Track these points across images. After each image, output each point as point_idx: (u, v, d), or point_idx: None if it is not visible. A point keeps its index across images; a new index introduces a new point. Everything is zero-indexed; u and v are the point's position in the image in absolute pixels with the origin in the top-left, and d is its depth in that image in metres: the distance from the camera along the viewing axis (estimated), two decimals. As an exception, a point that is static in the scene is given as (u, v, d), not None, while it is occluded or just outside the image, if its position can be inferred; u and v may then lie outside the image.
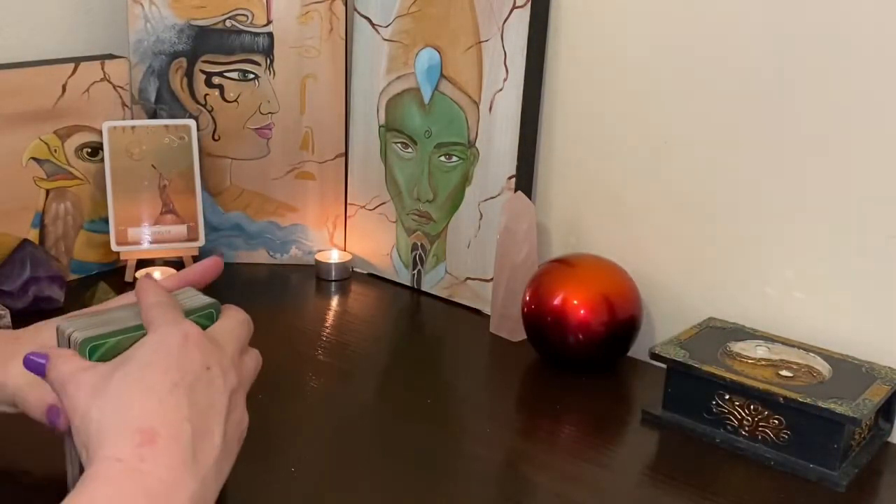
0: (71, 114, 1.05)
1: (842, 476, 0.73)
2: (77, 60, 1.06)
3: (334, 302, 1.08)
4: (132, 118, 1.10)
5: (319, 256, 1.13)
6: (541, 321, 0.89)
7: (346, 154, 1.14)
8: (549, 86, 1.00)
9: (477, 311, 1.04)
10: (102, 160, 1.06)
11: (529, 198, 0.97)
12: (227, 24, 1.10)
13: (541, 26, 0.97)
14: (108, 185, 1.05)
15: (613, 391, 0.89)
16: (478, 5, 0.99)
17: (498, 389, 0.90)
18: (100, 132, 1.06)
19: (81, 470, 0.59)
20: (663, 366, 0.82)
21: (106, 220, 1.06)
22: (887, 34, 0.78)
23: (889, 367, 0.80)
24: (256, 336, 0.63)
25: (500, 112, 0.99)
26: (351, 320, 1.03)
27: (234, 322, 0.61)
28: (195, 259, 1.08)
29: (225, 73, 1.11)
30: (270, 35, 1.10)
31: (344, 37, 1.10)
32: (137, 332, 0.57)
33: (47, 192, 1.05)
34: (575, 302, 0.87)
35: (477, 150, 1.01)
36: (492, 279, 1.00)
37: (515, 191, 0.98)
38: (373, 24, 1.09)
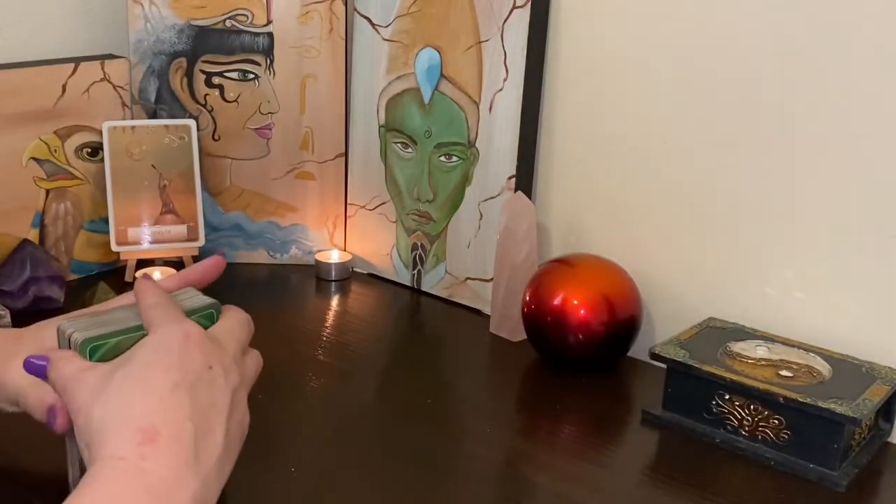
0: (71, 114, 1.05)
1: (842, 476, 0.73)
2: (77, 60, 1.06)
3: (334, 302, 1.08)
4: (132, 118, 1.10)
5: (319, 256, 1.13)
6: (541, 321, 0.89)
7: (346, 154, 1.14)
8: (549, 86, 1.00)
9: (477, 311, 1.04)
10: (102, 160, 1.06)
11: (529, 198, 0.97)
12: (227, 24, 1.10)
13: (541, 26, 0.97)
14: (108, 185, 1.05)
15: (613, 391, 0.89)
16: (478, 5, 0.99)
17: (498, 389, 0.90)
18: (100, 132, 1.06)
19: (82, 470, 0.59)
20: (663, 366, 0.82)
21: (106, 220, 1.06)
22: (887, 34, 0.78)
23: (889, 367, 0.80)
24: (256, 336, 0.63)
25: (500, 112, 0.99)
26: (351, 320, 1.03)
27: (234, 322, 0.61)
28: (195, 259, 1.08)
29: (225, 73, 1.11)
30: (270, 35, 1.10)
31: (344, 37, 1.10)
32: (138, 333, 0.57)
33: (47, 192, 1.05)
34: (575, 302, 0.87)
35: (477, 150, 1.01)
36: (492, 279, 1.00)
37: (515, 191, 0.98)
38: (373, 24, 1.09)
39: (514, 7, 0.96)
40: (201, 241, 1.08)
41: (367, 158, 1.12)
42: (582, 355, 0.88)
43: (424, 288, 1.09)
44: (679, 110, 0.91)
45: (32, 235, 1.04)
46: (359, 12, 1.10)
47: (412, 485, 0.72)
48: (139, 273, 1.05)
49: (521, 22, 0.96)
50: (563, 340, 0.88)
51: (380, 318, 1.06)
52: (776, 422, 0.76)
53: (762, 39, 0.84)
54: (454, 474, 0.74)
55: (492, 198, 1.01)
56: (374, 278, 1.13)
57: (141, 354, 0.54)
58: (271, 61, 1.10)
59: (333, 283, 1.12)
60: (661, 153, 0.93)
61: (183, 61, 1.10)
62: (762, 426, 0.76)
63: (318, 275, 1.13)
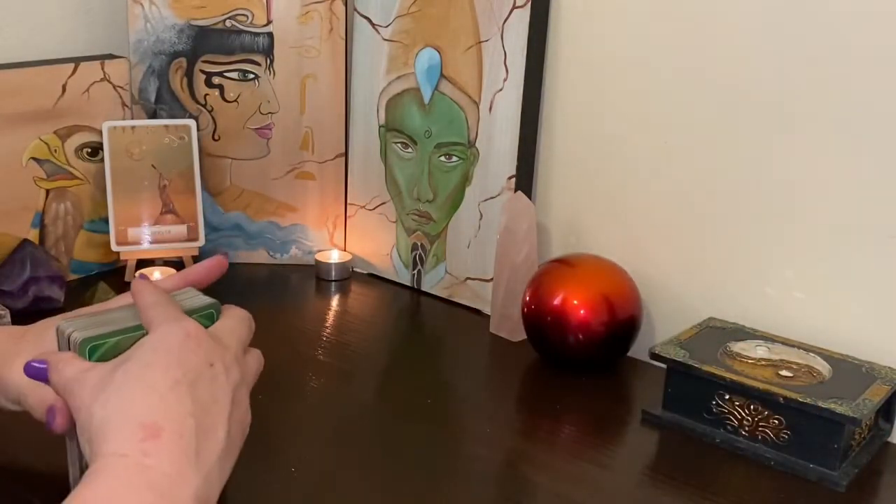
0: (71, 114, 1.05)
1: (842, 476, 0.73)
2: (77, 60, 1.06)
3: (334, 302, 1.08)
4: (132, 118, 1.10)
5: (319, 256, 1.13)
6: (541, 321, 0.89)
7: (346, 154, 1.14)
8: (549, 86, 1.00)
9: (477, 311, 1.04)
10: (102, 160, 1.06)
11: (529, 198, 0.97)
12: (227, 24, 1.10)
13: (541, 26, 0.97)
14: (108, 185, 1.05)
15: (613, 391, 0.89)
16: (478, 5, 0.99)
17: (498, 389, 0.90)
18: (100, 132, 1.06)
19: (83, 469, 0.59)
20: (663, 366, 0.82)
21: (106, 220, 1.06)
22: (887, 34, 0.78)
23: (889, 367, 0.80)
24: (257, 336, 0.63)
25: (500, 112, 0.99)
26: (351, 320, 1.03)
27: (235, 321, 0.61)
28: (195, 259, 1.08)
29: (225, 73, 1.11)
30: (270, 35, 1.10)
31: (344, 37, 1.10)
32: (137, 332, 0.57)
33: (47, 192, 1.05)
34: (575, 302, 0.87)
35: (477, 150, 1.01)
36: (492, 279, 1.00)
37: (515, 191, 0.98)
38: (373, 24, 1.09)
39: (514, 7, 0.96)
40: (201, 241, 1.08)
41: (367, 158, 1.12)
42: (582, 355, 0.88)
43: (424, 288, 1.09)
44: (679, 110, 0.91)
45: (32, 235, 1.04)
46: (359, 12, 1.10)
47: (412, 485, 0.72)
48: (137, 273, 1.05)
49: (521, 22, 0.96)
50: (563, 340, 0.88)
51: (380, 318, 1.06)
52: (776, 422, 0.76)
53: (762, 39, 0.84)
54: (454, 474, 0.74)
55: (492, 198, 1.01)
56: (374, 278, 1.13)
57: (141, 353, 0.54)
58: (271, 61, 1.10)
59: (333, 283, 1.12)
60: (661, 153, 0.93)
61: (183, 61, 1.10)
62: (762, 426, 0.76)
63: (318, 275, 1.13)
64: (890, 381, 0.77)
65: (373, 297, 1.09)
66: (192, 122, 1.09)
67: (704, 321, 0.88)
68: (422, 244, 1.08)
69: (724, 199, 0.89)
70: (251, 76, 1.11)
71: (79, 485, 0.49)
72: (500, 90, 0.98)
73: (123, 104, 1.09)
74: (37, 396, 0.60)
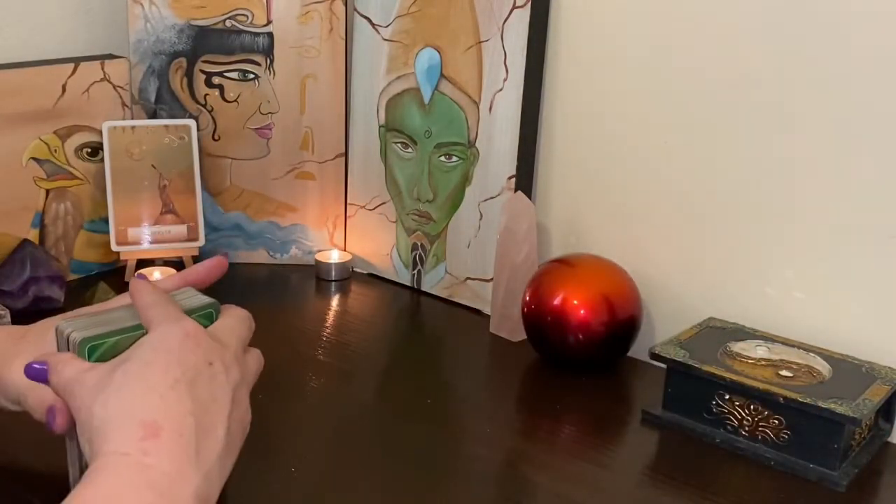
0: (71, 114, 1.05)
1: (842, 476, 0.73)
2: (77, 60, 1.06)
3: (334, 302, 1.08)
4: (132, 118, 1.10)
5: (319, 256, 1.13)
6: (541, 321, 0.89)
7: (346, 154, 1.14)
8: (549, 86, 1.00)
9: (477, 311, 1.04)
10: (102, 160, 1.06)
11: (529, 198, 0.97)
12: (227, 24, 1.10)
13: (541, 26, 0.97)
14: (108, 185, 1.05)
15: (613, 391, 0.89)
16: (478, 5, 0.99)
17: (498, 389, 0.90)
18: (100, 132, 1.06)
19: (82, 469, 0.59)
20: (663, 366, 0.82)
21: (106, 220, 1.06)
22: (887, 34, 0.78)
23: (889, 367, 0.80)
24: (257, 336, 0.63)
25: (500, 112, 0.99)
26: (351, 320, 1.03)
27: (235, 320, 0.61)
28: (195, 259, 1.08)
29: (225, 73, 1.11)
30: (270, 35, 1.10)
31: (344, 37, 1.10)
32: (136, 332, 0.57)
33: (47, 192, 1.05)
34: (575, 302, 0.87)
35: (477, 150, 1.01)
36: (492, 279, 1.00)
37: (515, 191, 0.98)
38: (373, 24, 1.09)
39: (514, 7, 0.96)
40: (201, 241, 1.08)
41: (367, 158, 1.12)
42: (582, 355, 0.88)
43: (424, 288, 1.09)
44: (679, 110, 0.91)
45: (32, 235, 1.04)
46: (359, 12, 1.10)
47: (412, 485, 0.72)
48: (136, 274, 1.05)
49: (521, 22, 0.96)
50: (563, 340, 0.88)
51: (380, 318, 1.06)
52: (776, 422, 0.76)
53: (762, 39, 0.84)
54: (454, 474, 0.74)
55: (492, 198, 1.01)
56: (374, 278, 1.13)
57: (140, 353, 0.54)
58: (271, 61, 1.10)
59: (333, 283, 1.12)
60: (661, 153, 0.93)
61: (183, 61, 1.10)
62: (762, 426, 0.76)
63: (318, 275, 1.13)
64: (890, 381, 0.77)
65: (373, 297, 1.09)
66: (192, 122, 1.09)
67: (704, 321, 0.88)
68: (422, 244, 1.08)
69: (724, 200, 0.89)
70: (251, 76, 1.11)
71: (79, 484, 0.49)
72: (500, 90, 0.98)
73: (123, 104, 1.09)
74: (36, 397, 0.60)
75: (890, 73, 0.78)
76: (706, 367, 0.79)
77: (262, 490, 0.69)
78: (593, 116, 0.97)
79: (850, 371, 0.79)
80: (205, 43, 1.10)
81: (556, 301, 0.87)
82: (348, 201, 1.15)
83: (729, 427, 0.78)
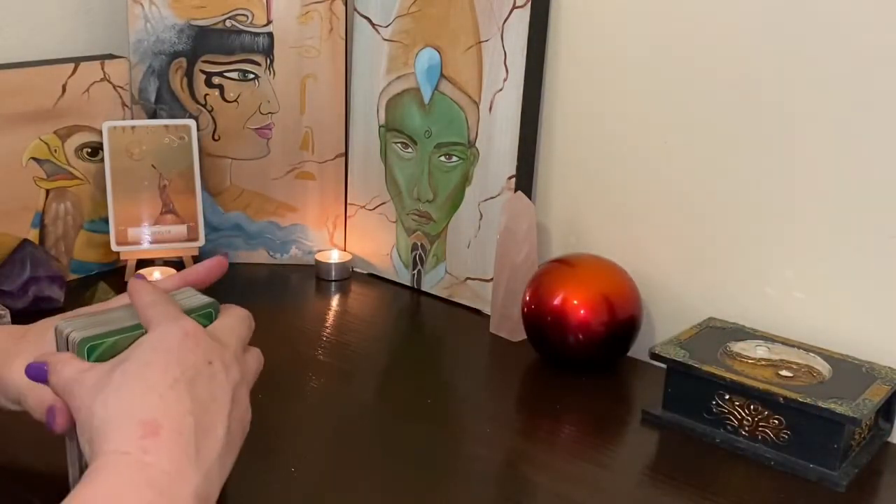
0: (71, 114, 1.05)
1: (842, 476, 0.73)
2: (77, 60, 1.06)
3: (334, 302, 1.08)
4: (132, 118, 1.10)
5: (319, 256, 1.13)
6: (541, 321, 0.89)
7: (346, 154, 1.14)
8: (549, 86, 1.00)
9: (477, 311, 1.04)
10: (102, 160, 1.06)
11: (529, 198, 0.97)
12: (227, 24, 1.10)
13: (541, 26, 0.97)
14: (108, 185, 1.05)
15: (613, 391, 0.89)
16: (478, 5, 0.99)
17: (498, 389, 0.90)
18: (100, 132, 1.06)
19: (82, 469, 0.59)
20: (663, 366, 0.82)
21: (106, 220, 1.06)
22: (887, 34, 0.78)
23: (889, 367, 0.80)
24: (257, 336, 0.63)
25: (500, 112, 0.99)
26: (351, 320, 1.03)
27: (234, 319, 0.61)
28: (195, 259, 1.08)
29: (225, 73, 1.11)
30: (270, 35, 1.10)
31: (344, 37, 1.10)
32: (135, 332, 0.57)
33: (47, 192, 1.05)
34: (575, 302, 0.87)
35: (477, 150, 1.01)
36: (492, 279, 1.00)
37: (515, 191, 0.98)
38: (373, 24, 1.09)
39: (514, 7, 0.96)
40: (201, 241, 1.08)
41: (367, 158, 1.12)
42: (582, 355, 0.88)
43: (424, 288, 1.09)
44: (679, 110, 0.91)
45: (32, 235, 1.04)
46: (359, 12, 1.10)
47: (412, 485, 0.72)
48: (135, 274, 1.05)
49: (521, 22, 0.96)
50: (563, 340, 0.88)
51: (380, 318, 1.06)
52: (776, 422, 0.76)
53: (762, 39, 0.84)
54: (454, 474, 0.74)
55: (492, 198, 1.01)
56: (374, 278, 1.13)
57: (139, 353, 0.54)
58: (271, 61, 1.10)
59: (333, 283, 1.12)
60: (661, 153, 0.93)
61: (183, 61, 1.10)
62: (762, 426, 0.76)
63: (318, 275, 1.13)
64: (890, 381, 0.77)
65: (373, 297, 1.09)
66: (192, 122, 1.09)
67: (704, 321, 0.88)
68: (422, 244, 1.08)
69: (724, 199, 0.89)
70: (251, 76, 1.11)
71: (79, 483, 0.49)
72: (500, 90, 0.98)
73: (123, 104, 1.09)
74: (36, 397, 0.60)
75: (890, 73, 0.78)
76: (706, 367, 0.79)
77: (262, 490, 0.69)
78: (593, 116, 0.97)
79: (850, 371, 0.79)
80: (205, 43, 1.10)
81: (556, 301, 0.87)
82: (348, 201, 1.15)
83: (729, 427, 0.78)
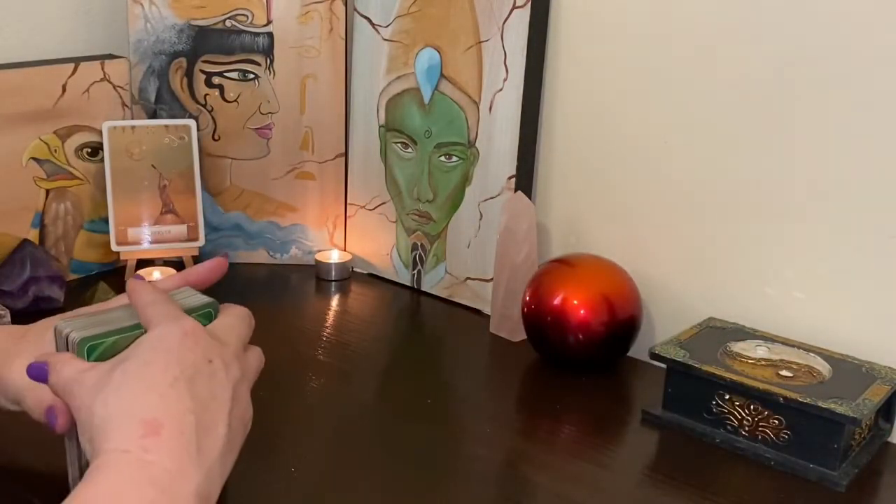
0: (71, 114, 1.05)
1: (842, 476, 0.73)
2: (77, 60, 1.06)
3: (334, 302, 1.08)
4: (132, 118, 1.10)
5: (319, 256, 1.13)
6: (541, 321, 0.89)
7: (346, 154, 1.14)
8: (549, 86, 1.00)
9: (477, 311, 1.04)
10: (102, 160, 1.06)
11: (529, 198, 0.97)
12: (227, 24, 1.10)
13: (541, 26, 0.97)
14: (108, 185, 1.05)
15: (613, 391, 0.89)
16: (478, 5, 0.99)
17: (498, 389, 0.90)
18: (100, 132, 1.06)
19: (82, 469, 0.59)
20: (663, 366, 0.82)
21: (106, 220, 1.06)
22: (887, 34, 0.78)
23: (889, 367, 0.80)
24: (257, 336, 0.63)
25: (500, 112, 0.99)
26: (351, 320, 1.03)
27: (234, 318, 0.61)
28: (195, 259, 1.08)
29: (225, 73, 1.11)
30: (270, 35, 1.10)
31: (344, 37, 1.10)
32: (135, 332, 0.57)
33: (47, 192, 1.05)
34: (575, 302, 0.87)
35: (477, 150, 1.01)
36: (492, 279, 1.00)
37: (515, 191, 0.98)
38: (373, 24, 1.09)
39: (514, 7, 0.96)
40: (201, 241, 1.08)
41: (367, 158, 1.12)
42: (582, 355, 0.88)
43: (424, 288, 1.09)
44: (679, 110, 0.91)
45: (32, 235, 1.04)
46: (359, 12, 1.10)
47: (412, 485, 0.72)
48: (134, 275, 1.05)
49: (521, 22, 0.96)
50: (563, 340, 0.88)
51: (380, 318, 1.06)
52: (776, 422, 0.76)
53: (762, 39, 0.84)
54: (454, 474, 0.74)
55: (492, 198, 1.01)
56: (374, 278, 1.13)
57: (140, 352, 0.54)
58: (271, 61, 1.10)
59: (333, 283, 1.12)
60: (661, 153, 0.93)
61: (183, 61, 1.10)
62: (762, 426, 0.76)
63: (318, 275, 1.13)
64: (890, 381, 0.77)
65: (373, 297, 1.09)
66: (192, 122, 1.09)
67: (704, 321, 0.88)
68: (422, 244, 1.08)
69: (724, 200, 0.89)
70: (251, 76, 1.11)
71: (81, 482, 0.49)
72: (500, 90, 0.98)
73: (123, 104, 1.09)
74: (35, 397, 0.60)
75: (890, 73, 0.78)
76: (706, 367, 0.79)
77: (262, 490, 0.69)
78: (593, 116, 0.97)
79: (850, 371, 0.79)
80: (205, 43, 1.10)
81: (556, 301, 0.87)
82: (348, 201, 1.15)
83: (729, 427, 0.78)
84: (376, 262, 1.14)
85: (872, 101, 0.79)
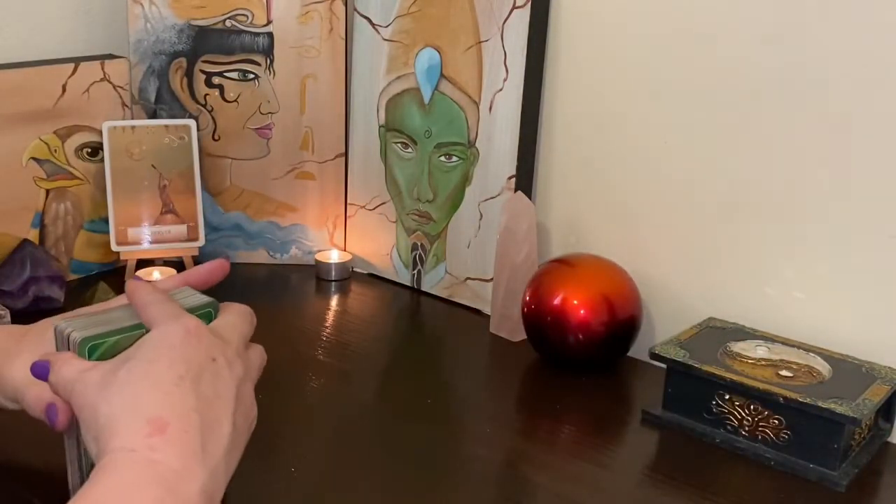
0: (71, 114, 1.05)
1: (842, 476, 0.73)
2: (77, 60, 1.06)
3: (334, 302, 1.08)
4: (132, 118, 1.10)
5: (319, 256, 1.13)
6: (541, 321, 0.89)
7: (346, 154, 1.14)
8: (549, 86, 1.00)
9: (477, 311, 1.04)
10: (102, 160, 1.06)
11: (529, 198, 0.97)
12: (227, 24, 1.10)
13: (541, 26, 0.97)
14: (108, 185, 1.05)
15: (613, 391, 0.89)
16: (478, 5, 0.99)
17: (498, 389, 0.90)
18: (100, 132, 1.06)
19: (82, 469, 0.59)
20: (663, 366, 0.82)
21: (106, 220, 1.06)
22: (887, 35, 0.78)
23: (889, 367, 0.80)
24: (257, 336, 0.63)
25: (500, 112, 0.99)
26: (351, 320, 1.03)
27: (236, 316, 0.61)
28: (195, 259, 1.08)
29: (225, 73, 1.11)
30: (270, 35, 1.10)
31: (344, 37, 1.10)
32: (136, 331, 0.57)
33: (47, 192, 1.05)
34: (575, 302, 0.87)
35: (477, 150, 1.01)
36: (492, 279, 1.00)
37: (515, 191, 0.98)
38: (373, 24, 1.09)
39: (514, 7, 0.96)
40: (201, 241, 1.08)
41: (367, 158, 1.12)
42: (582, 355, 0.88)
43: (424, 288, 1.09)
44: (679, 110, 0.91)
45: (32, 235, 1.04)
46: (359, 12, 1.10)
47: (412, 485, 0.72)
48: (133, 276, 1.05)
49: (521, 22, 0.96)
50: (563, 340, 0.88)
51: (380, 318, 1.06)
52: (776, 422, 0.76)
53: (762, 39, 0.84)
54: (454, 474, 0.74)
55: (492, 198, 1.01)
56: (374, 278, 1.13)
57: (143, 351, 0.54)
58: (271, 61, 1.10)
59: (333, 283, 1.12)
60: (661, 153, 0.93)
61: (183, 61, 1.10)
62: (762, 426, 0.76)
63: (318, 275, 1.13)
64: (890, 381, 0.77)
65: (373, 297, 1.09)
66: (192, 122, 1.09)
67: (704, 321, 0.88)
68: (422, 244, 1.08)
69: (724, 199, 0.89)
70: (251, 76, 1.11)
71: (87, 481, 0.49)
72: (500, 90, 0.98)
73: (123, 104, 1.09)
74: (33, 395, 0.60)
75: (890, 73, 0.78)
76: (706, 367, 0.79)
77: (262, 490, 0.69)
78: (593, 116, 0.97)
79: (850, 371, 0.79)
80: (205, 43, 1.10)
81: (556, 301, 0.87)
82: (348, 201, 1.15)
83: (729, 427, 0.78)
84: (376, 262, 1.14)
85: (872, 101, 0.79)
